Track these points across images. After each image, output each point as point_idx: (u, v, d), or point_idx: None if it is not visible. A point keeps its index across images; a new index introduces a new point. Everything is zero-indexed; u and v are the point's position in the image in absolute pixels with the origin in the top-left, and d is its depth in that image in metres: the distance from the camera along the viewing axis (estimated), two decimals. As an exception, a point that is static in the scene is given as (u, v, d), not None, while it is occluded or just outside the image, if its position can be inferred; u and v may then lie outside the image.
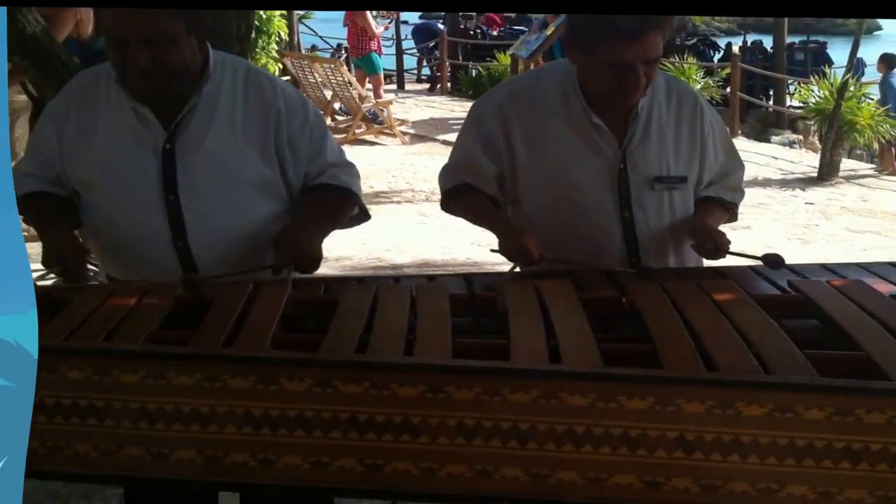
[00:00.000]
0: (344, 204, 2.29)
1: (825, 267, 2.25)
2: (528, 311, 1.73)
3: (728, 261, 2.25)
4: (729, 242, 2.24)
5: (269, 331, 1.64)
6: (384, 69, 12.80)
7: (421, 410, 1.46)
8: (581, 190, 2.27)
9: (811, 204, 8.22)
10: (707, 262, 2.34)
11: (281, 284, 1.90)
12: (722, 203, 2.40)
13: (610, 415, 1.43)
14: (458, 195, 2.36)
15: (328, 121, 10.13)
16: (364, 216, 2.40)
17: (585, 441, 1.43)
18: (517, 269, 2.14)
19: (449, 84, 15.39)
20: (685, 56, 13.08)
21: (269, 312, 1.74)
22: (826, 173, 9.22)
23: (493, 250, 2.24)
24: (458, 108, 12.41)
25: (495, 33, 16.18)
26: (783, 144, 11.62)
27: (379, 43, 12.17)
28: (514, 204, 2.37)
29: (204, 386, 1.51)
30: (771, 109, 12.78)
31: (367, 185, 6.36)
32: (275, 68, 9.53)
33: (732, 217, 2.48)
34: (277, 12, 9.19)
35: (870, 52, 12.00)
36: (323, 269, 2.14)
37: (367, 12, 11.41)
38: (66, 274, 2.09)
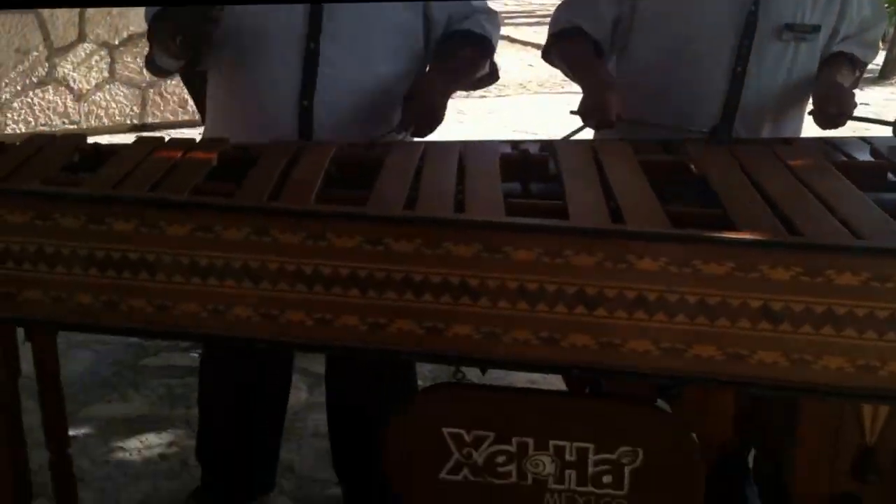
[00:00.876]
0: (481, 58, 2.16)
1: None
2: (584, 173, 1.59)
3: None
4: (855, 106, 2.03)
5: (313, 188, 1.52)
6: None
7: (478, 271, 1.35)
8: (699, 32, 2.09)
9: (866, 105, 7.83)
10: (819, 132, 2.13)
11: (325, 146, 1.77)
12: (852, 60, 2.17)
13: (683, 280, 1.30)
14: (563, 39, 2.19)
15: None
16: (493, 76, 2.25)
17: (659, 308, 1.32)
18: (579, 136, 1.99)
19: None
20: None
21: (312, 170, 1.61)
22: (889, 71, 8.77)
23: (572, 112, 2.07)
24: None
25: None
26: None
27: None
28: (621, 52, 2.21)
29: (252, 240, 1.41)
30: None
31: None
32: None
33: (857, 81, 2.24)
34: None
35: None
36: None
37: None
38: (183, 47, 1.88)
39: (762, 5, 2.05)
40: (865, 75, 8.69)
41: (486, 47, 2.14)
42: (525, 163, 1.73)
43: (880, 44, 2.09)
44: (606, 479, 1.38)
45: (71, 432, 2.81)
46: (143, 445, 2.75)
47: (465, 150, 1.76)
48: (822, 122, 2.02)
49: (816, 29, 2.09)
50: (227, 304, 1.42)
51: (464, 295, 1.36)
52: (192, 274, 1.42)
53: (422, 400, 1.45)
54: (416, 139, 2.02)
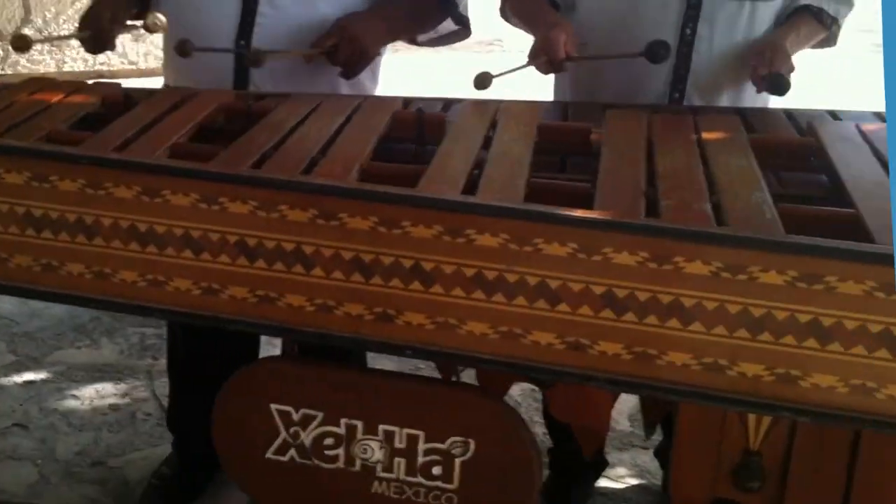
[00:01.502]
0: (434, 11, 2.05)
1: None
2: (465, 135, 1.47)
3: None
4: (790, 69, 1.82)
5: (170, 138, 1.43)
6: None
7: (314, 239, 1.25)
8: None
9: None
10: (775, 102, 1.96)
11: (214, 94, 1.67)
12: (818, 16, 1.95)
13: (524, 260, 1.18)
14: None
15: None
16: (464, 32, 2.14)
17: (497, 289, 1.20)
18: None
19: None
20: None
21: (183, 119, 1.52)
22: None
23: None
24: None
25: None
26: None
27: None
28: (571, 11, 2.05)
29: (88, 193, 1.33)
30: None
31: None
32: None
33: (831, 38, 2.03)
34: None
35: None
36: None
37: None
38: (90, 41, 1.88)
39: None
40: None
41: (444, 4, 2.03)
42: (420, 123, 1.61)
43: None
44: (436, 470, 1.28)
45: (30, 377, 2.87)
46: (97, 395, 2.74)
47: (365, 107, 1.65)
48: (755, 83, 1.83)
49: None
50: (60, 260, 1.35)
51: (297, 264, 1.27)
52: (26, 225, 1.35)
53: (252, 372, 1.37)
54: (342, 78, 1.92)
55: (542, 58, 1.81)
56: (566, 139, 1.58)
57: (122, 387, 2.78)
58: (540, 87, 2.20)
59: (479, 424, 1.26)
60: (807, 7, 1.95)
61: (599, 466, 2.29)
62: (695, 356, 1.15)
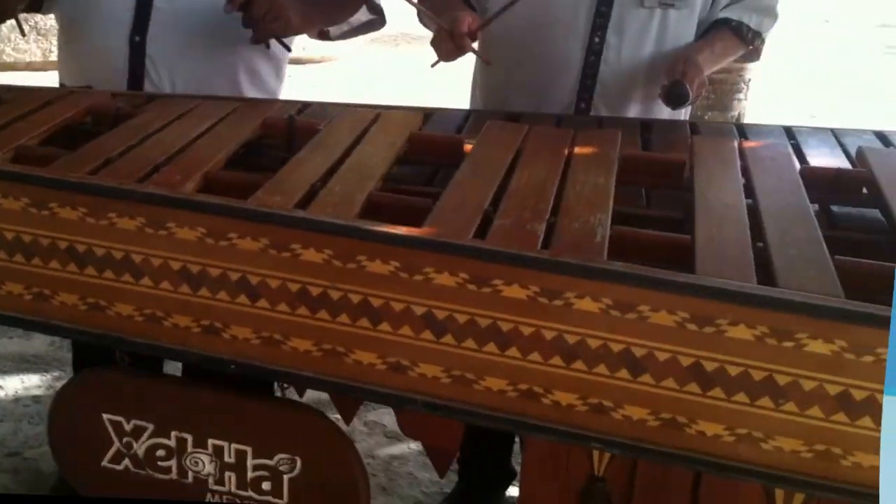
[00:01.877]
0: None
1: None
2: (327, 144, 1.44)
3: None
4: (701, 84, 1.78)
5: (14, 142, 1.39)
6: None
7: (144, 248, 1.22)
8: (554, 1, 1.88)
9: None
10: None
11: (94, 93, 1.64)
12: (738, 31, 1.91)
13: (347, 276, 1.15)
14: None
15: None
16: (379, 21, 2.08)
17: (322, 306, 1.17)
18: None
19: None
20: None
21: (43, 120, 1.49)
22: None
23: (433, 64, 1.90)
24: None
25: None
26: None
27: None
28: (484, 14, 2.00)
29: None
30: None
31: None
32: None
33: (754, 53, 1.99)
34: None
35: None
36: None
37: None
38: None
39: None
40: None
41: None
42: (289, 128, 1.58)
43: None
44: (266, 485, 1.25)
45: (-43, 367, 2.83)
46: (22, 386, 2.70)
47: (236, 110, 1.61)
48: (663, 98, 1.78)
49: None
50: None
51: (126, 273, 1.24)
52: None
53: (82, 381, 1.34)
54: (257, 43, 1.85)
55: (445, 40, 1.76)
56: (438, 150, 1.54)
57: (48, 378, 2.74)
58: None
59: (306, 442, 1.23)
60: (726, 21, 1.91)
61: (509, 476, 2.26)
62: (510, 382, 1.12)
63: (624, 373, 1.07)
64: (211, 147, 1.43)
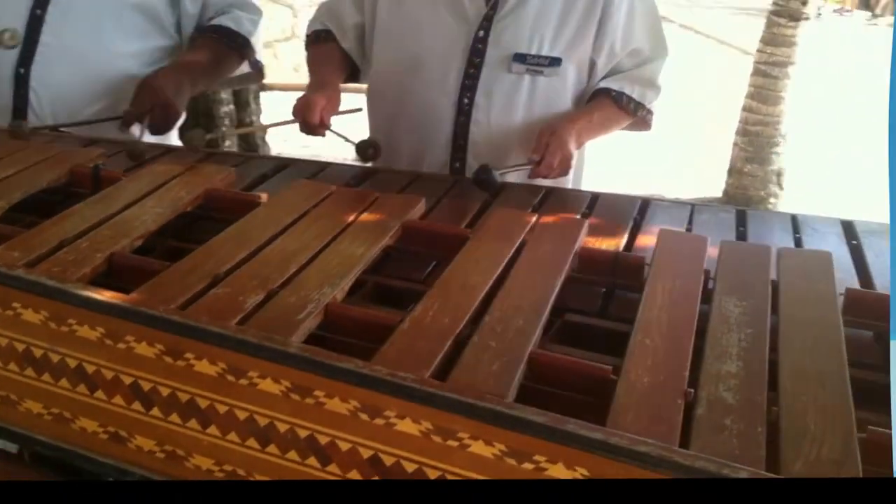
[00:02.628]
0: (230, 56, 2.09)
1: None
2: (109, 198, 1.39)
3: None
4: (565, 159, 1.68)
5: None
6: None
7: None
8: (430, 53, 1.84)
9: None
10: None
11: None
12: (618, 101, 1.82)
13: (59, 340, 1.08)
14: (315, 42, 2.00)
15: None
16: (257, 75, 2.16)
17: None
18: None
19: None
20: None
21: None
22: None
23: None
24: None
25: None
26: None
27: None
28: (368, 65, 2.00)
29: None
30: None
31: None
32: None
33: (642, 123, 1.89)
34: None
35: None
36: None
37: None
38: None
39: (493, 32, 1.78)
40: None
41: (240, 44, 2.05)
42: (95, 178, 1.52)
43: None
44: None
45: None
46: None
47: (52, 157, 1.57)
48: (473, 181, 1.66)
49: (555, 62, 1.78)
50: None
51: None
52: None
53: None
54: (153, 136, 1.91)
55: (299, 117, 1.75)
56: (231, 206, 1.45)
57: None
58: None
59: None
60: (606, 90, 1.82)
61: None
62: (216, 462, 1.03)
63: (332, 467, 0.96)
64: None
